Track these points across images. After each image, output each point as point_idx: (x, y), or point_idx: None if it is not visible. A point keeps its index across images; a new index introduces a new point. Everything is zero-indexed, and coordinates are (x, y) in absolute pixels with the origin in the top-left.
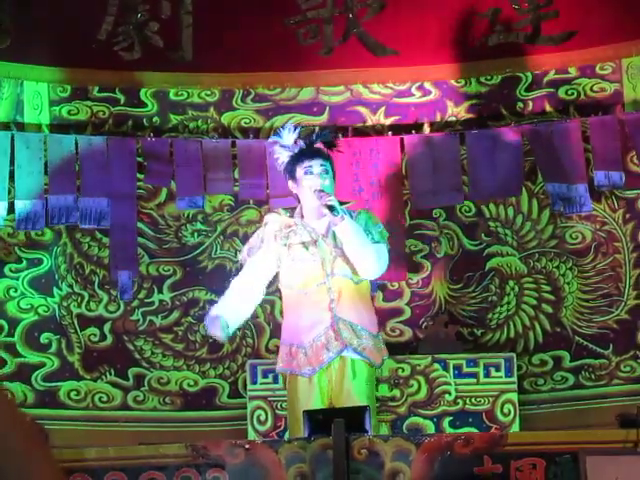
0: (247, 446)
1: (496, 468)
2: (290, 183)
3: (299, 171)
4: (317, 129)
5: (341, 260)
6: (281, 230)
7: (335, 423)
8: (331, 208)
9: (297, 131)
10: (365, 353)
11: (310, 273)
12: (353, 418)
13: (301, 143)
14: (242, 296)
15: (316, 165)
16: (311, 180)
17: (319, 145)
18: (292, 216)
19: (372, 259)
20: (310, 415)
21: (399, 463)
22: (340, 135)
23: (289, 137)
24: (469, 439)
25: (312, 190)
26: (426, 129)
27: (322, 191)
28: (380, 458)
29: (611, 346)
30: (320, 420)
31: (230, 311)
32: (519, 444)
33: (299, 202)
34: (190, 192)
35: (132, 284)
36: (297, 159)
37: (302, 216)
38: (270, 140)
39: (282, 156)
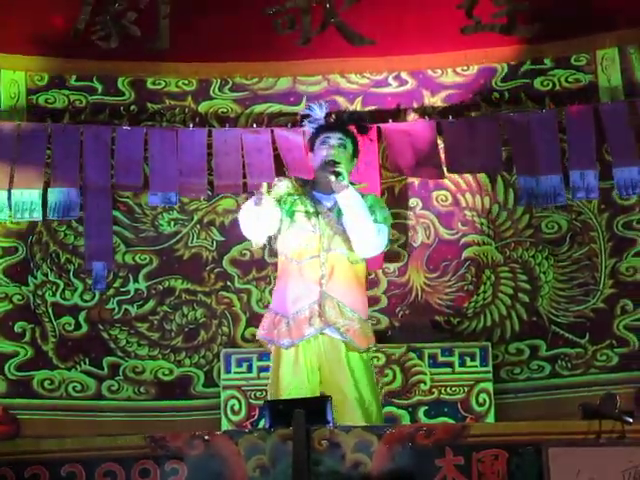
0: (206, 437)
1: (458, 459)
2: (310, 155)
3: (318, 142)
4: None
5: (340, 237)
6: (289, 195)
7: (295, 414)
8: (336, 174)
9: (327, 106)
10: (349, 334)
11: (306, 244)
12: (314, 409)
13: (330, 119)
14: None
15: (334, 137)
16: (325, 150)
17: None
18: (304, 185)
19: (370, 235)
20: (271, 405)
21: (360, 454)
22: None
23: (320, 111)
24: (431, 430)
25: (325, 161)
26: (412, 116)
27: (332, 161)
28: (341, 449)
29: (587, 335)
30: (281, 410)
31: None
32: (481, 435)
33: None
34: (164, 188)
35: (106, 275)
36: (319, 131)
37: (313, 188)
38: (301, 112)
39: (311, 129)
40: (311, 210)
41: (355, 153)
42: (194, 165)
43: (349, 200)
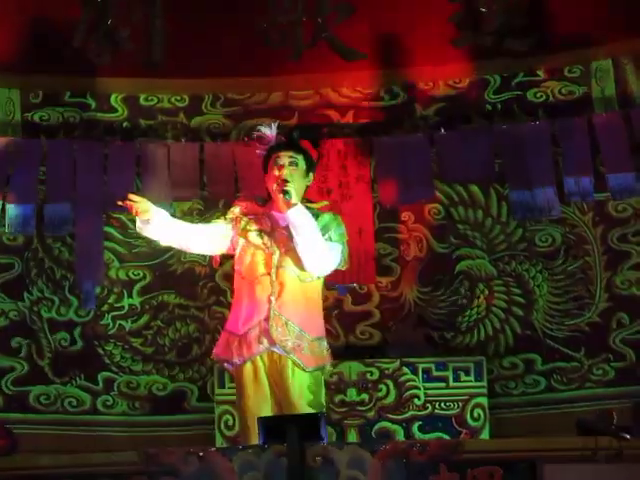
0: (201, 454)
1: (453, 476)
2: (265, 176)
3: (270, 162)
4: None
5: (292, 255)
6: (245, 215)
7: (289, 430)
8: (284, 192)
9: (275, 126)
10: (294, 355)
11: (258, 262)
12: (308, 425)
13: (281, 138)
14: (189, 229)
15: (285, 156)
16: (276, 170)
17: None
18: (263, 205)
19: (318, 253)
20: (264, 422)
21: (354, 471)
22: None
23: (269, 131)
24: (425, 446)
25: (275, 180)
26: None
27: (282, 180)
28: (335, 466)
29: (583, 349)
30: (274, 427)
31: (176, 227)
32: (476, 452)
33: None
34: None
35: (95, 293)
36: (270, 151)
37: (272, 208)
38: (254, 135)
39: (262, 151)
40: (265, 229)
41: (309, 168)
42: (186, 178)
43: (297, 218)
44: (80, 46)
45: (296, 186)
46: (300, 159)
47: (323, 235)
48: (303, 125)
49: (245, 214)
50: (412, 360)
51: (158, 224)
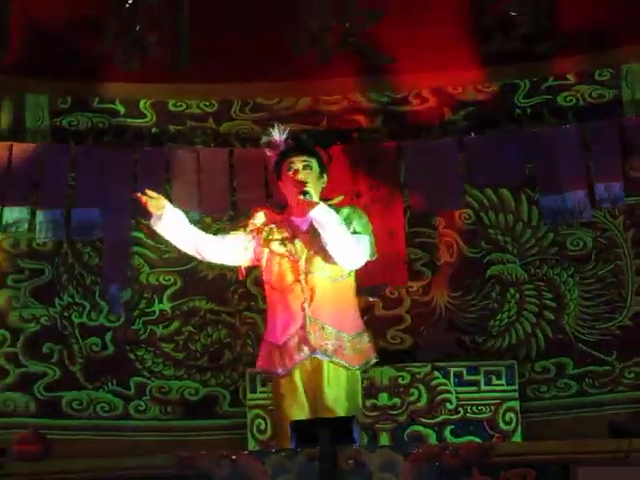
0: (233, 457)
1: (485, 479)
2: (280, 183)
3: (284, 168)
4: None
5: (319, 258)
6: (265, 225)
7: (321, 433)
8: (303, 193)
9: (285, 131)
10: (337, 356)
11: (285, 270)
12: (340, 428)
13: (289, 142)
14: (204, 238)
15: (298, 161)
16: (292, 175)
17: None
18: (281, 212)
19: (348, 247)
20: (297, 425)
21: (387, 474)
22: (338, 142)
23: (278, 136)
24: (457, 449)
25: (292, 183)
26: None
27: (300, 182)
28: (367, 469)
29: (614, 352)
30: (307, 431)
31: (194, 234)
32: (508, 454)
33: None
34: (187, 205)
35: (120, 297)
36: (283, 157)
37: (289, 214)
38: (262, 142)
39: (273, 156)
40: (287, 236)
41: (322, 170)
42: (216, 183)
43: (321, 217)
44: (108, 52)
45: (312, 186)
46: (313, 162)
47: (348, 227)
48: (311, 130)
49: (265, 224)
50: (443, 364)
51: (170, 223)
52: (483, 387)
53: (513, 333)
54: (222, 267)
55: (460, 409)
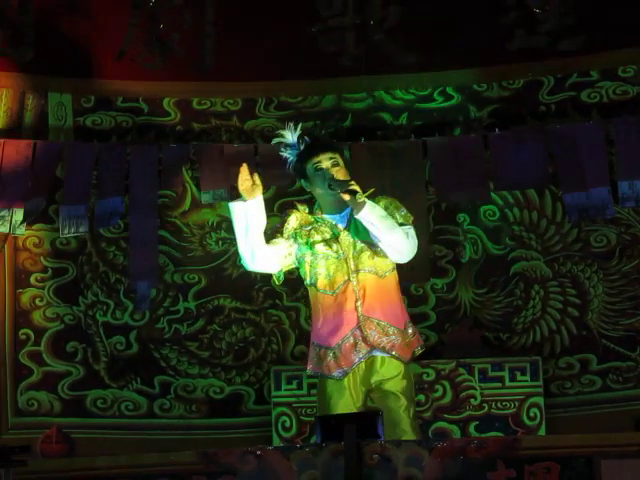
0: (258, 452)
1: (510, 472)
2: (303, 182)
3: (309, 168)
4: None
5: (366, 255)
6: (301, 228)
7: (346, 429)
8: (353, 192)
9: (299, 128)
10: (394, 351)
11: (334, 271)
12: (365, 423)
13: (306, 139)
14: (265, 245)
15: (325, 159)
16: (323, 174)
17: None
18: (311, 212)
19: (401, 241)
20: (322, 421)
21: (412, 468)
22: (362, 139)
23: (293, 135)
24: (482, 443)
25: (326, 184)
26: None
27: (337, 180)
28: (392, 464)
29: (638, 348)
30: (332, 426)
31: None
32: (533, 448)
33: (315, 199)
34: (214, 186)
35: (150, 295)
36: (305, 156)
37: (321, 211)
38: (274, 142)
39: (289, 155)
40: (328, 236)
41: (346, 162)
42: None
43: (371, 216)
44: (128, 50)
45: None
46: (338, 157)
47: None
48: (321, 124)
49: (301, 226)
50: (468, 361)
51: (252, 212)
52: (507, 383)
53: (537, 330)
54: None
55: (485, 405)
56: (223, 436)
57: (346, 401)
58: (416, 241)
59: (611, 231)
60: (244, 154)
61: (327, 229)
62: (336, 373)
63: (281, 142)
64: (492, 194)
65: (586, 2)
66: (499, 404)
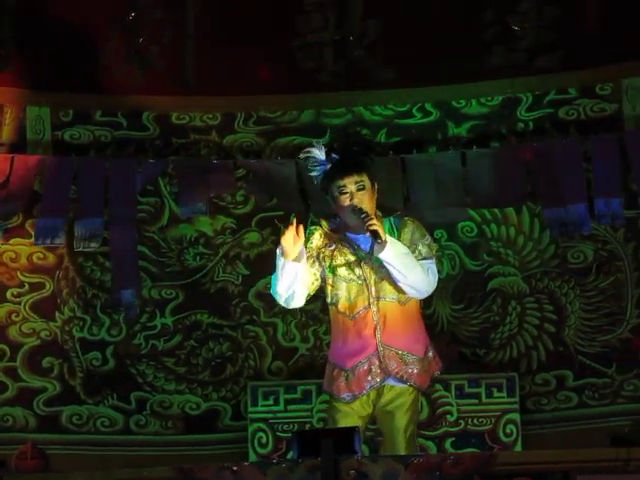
0: (235, 468)
1: None
2: (328, 199)
3: (334, 190)
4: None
5: (387, 282)
6: (325, 247)
7: (323, 444)
8: (374, 234)
9: (322, 145)
10: (411, 380)
11: (355, 296)
12: (342, 439)
13: (334, 156)
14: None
15: (350, 183)
16: (347, 199)
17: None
18: (335, 229)
19: (420, 280)
20: (299, 436)
21: None
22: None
23: (321, 152)
24: (458, 459)
25: (350, 210)
26: None
27: (361, 210)
28: (369, 479)
29: (614, 365)
30: (309, 441)
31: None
32: (509, 464)
33: (338, 216)
34: (193, 200)
35: (135, 302)
36: (331, 177)
37: (345, 228)
38: (301, 156)
39: (316, 172)
40: (352, 259)
41: (373, 182)
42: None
43: (391, 257)
44: (107, 64)
45: (368, 207)
46: (365, 179)
47: (413, 252)
48: (347, 143)
49: (325, 244)
50: (445, 377)
51: (301, 267)
52: (484, 399)
53: (514, 346)
54: (225, 281)
55: (461, 421)
56: (199, 452)
57: (351, 423)
58: (436, 277)
59: (588, 247)
60: (223, 169)
61: (350, 251)
62: (344, 395)
63: (308, 157)
64: (470, 210)
65: (564, 19)
66: (475, 420)
